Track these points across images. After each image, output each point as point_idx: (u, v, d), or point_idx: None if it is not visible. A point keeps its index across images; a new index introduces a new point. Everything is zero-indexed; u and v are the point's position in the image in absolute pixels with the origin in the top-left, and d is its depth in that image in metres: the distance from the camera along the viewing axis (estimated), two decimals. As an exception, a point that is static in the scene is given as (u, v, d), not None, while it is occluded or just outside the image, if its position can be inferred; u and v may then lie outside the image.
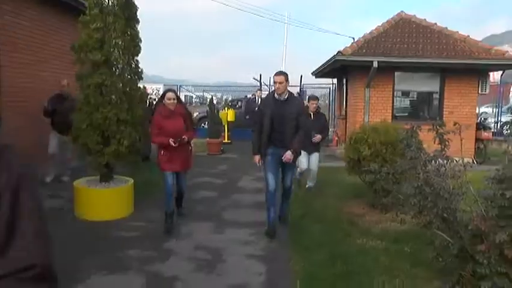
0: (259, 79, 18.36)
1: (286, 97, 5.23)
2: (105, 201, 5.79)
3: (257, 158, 5.37)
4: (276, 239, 5.22)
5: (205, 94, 21.08)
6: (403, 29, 12.24)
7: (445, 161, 3.60)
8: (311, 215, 6.24)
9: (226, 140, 14.55)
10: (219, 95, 22.68)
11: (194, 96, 23.05)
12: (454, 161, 3.70)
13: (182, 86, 19.50)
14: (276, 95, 5.24)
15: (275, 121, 5.18)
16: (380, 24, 12.68)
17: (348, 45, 11.73)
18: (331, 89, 16.92)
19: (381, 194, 5.16)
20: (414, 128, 3.61)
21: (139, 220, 5.83)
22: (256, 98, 11.88)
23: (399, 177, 3.80)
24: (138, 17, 5.97)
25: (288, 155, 5.14)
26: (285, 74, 5.28)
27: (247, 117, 13.49)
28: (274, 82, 5.24)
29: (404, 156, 3.51)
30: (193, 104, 19.32)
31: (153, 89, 16.89)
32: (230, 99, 20.62)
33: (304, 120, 5.34)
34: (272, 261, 4.55)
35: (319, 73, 15.82)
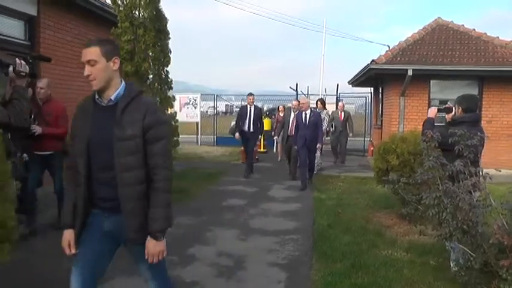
0: (295, 88, 18.36)
1: (116, 98, 2.39)
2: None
3: (66, 237, 2.45)
4: (300, 248, 5.21)
5: (244, 103, 21.29)
6: (440, 36, 11.94)
7: (466, 172, 3.48)
8: (339, 224, 6.18)
9: (261, 149, 14.60)
10: (259, 104, 22.98)
11: (235, 106, 23.40)
12: (480, 173, 3.56)
13: (220, 96, 19.73)
14: (96, 96, 2.45)
15: (93, 151, 2.39)
16: (416, 32, 12.42)
17: (383, 54, 11.57)
18: (367, 98, 16.67)
19: (405, 204, 5.04)
20: (433, 137, 3.51)
21: (167, 226, 5.94)
22: (248, 106, 10.17)
23: (418, 188, 3.70)
24: (168, 29, 6.16)
25: (152, 250, 2.37)
26: (102, 43, 2.37)
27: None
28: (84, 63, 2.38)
29: (422, 166, 3.42)
30: (234, 114, 19.66)
31: (190, 99, 17.19)
32: (270, 107, 20.81)
33: (163, 151, 2.37)
34: (293, 269, 4.53)
35: (355, 82, 15.63)
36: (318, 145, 8.96)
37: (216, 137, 17.82)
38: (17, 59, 3.41)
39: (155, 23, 5.84)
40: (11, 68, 3.33)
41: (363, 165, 12.29)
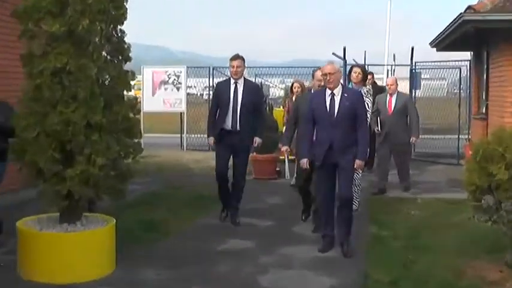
0: (342, 55, 18.27)
1: None
2: (66, 252, 5.95)
3: None
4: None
5: (259, 79, 21.14)
6: None
7: None
8: (408, 281, 6.16)
9: (283, 157, 14.47)
10: (288, 80, 22.83)
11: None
12: None
13: (220, 69, 19.72)
14: None
15: None
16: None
17: (486, -3, 11.42)
18: (461, 70, 16.48)
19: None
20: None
21: (120, 283, 6.00)
22: (232, 82, 8.85)
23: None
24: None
25: None
26: None
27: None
28: None
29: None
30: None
31: (170, 74, 17.22)
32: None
33: None
34: None
35: (441, 44, 15.48)
36: (358, 162, 7.22)
37: (212, 137, 17.90)
38: None
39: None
40: None
41: (454, 180, 12.09)
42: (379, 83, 17.15)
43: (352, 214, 7.43)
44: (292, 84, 12.15)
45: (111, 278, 6.13)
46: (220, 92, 8.79)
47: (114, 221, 6.46)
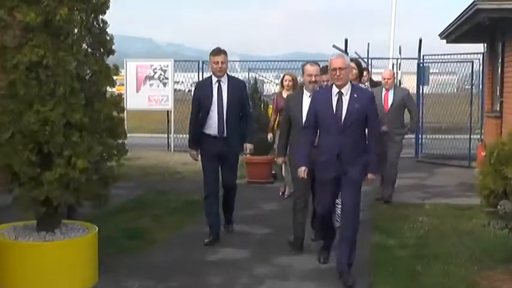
0: (344, 47, 18.31)
1: None
2: (44, 263, 5.92)
3: None
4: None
5: (252, 74, 21.11)
6: None
7: None
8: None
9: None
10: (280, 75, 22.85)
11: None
12: None
13: (208, 62, 19.81)
14: None
15: None
16: None
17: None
18: (473, 64, 16.50)
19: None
20: None
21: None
22: (214, 80, 8.44)
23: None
24: None
25: None
26: None
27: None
28: None
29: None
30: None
31: (155, 68, 17.18)
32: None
33: None
34: None
35: (452, 35, 15.49)
36: (371, 176, 6.76)
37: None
38: None
39: None
40: None
41: (466, 184, 12.15)
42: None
43: (355, 237, 6.67)
44: (283, 77, 11.79)
45: (92, 291, 6.16)
46: (202, 94, 8.33)
47: (96, 229, 6.45)
